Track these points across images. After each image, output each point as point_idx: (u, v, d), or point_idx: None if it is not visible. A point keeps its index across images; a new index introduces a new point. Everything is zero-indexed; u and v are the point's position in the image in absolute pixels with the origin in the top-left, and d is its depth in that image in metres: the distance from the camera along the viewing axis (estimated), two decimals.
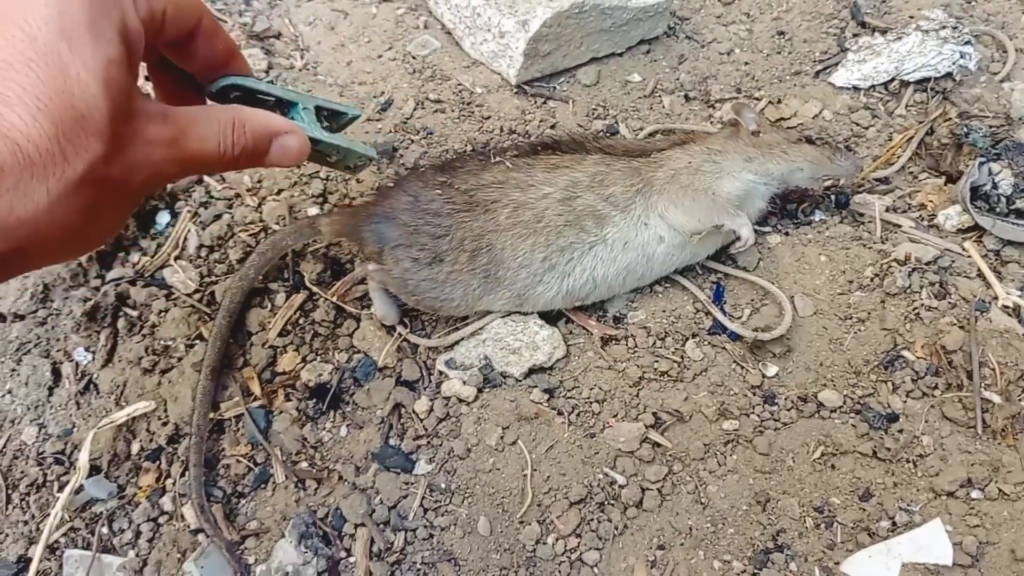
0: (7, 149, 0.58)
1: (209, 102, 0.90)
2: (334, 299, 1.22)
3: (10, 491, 1.15)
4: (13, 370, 1.23)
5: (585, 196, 1.17)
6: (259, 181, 1.37)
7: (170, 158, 0.74)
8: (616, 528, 1.05)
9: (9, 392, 1.22)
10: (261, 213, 1.33)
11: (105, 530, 1.11)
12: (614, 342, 1.19)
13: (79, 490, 1.12)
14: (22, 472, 1.16)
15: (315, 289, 1.24)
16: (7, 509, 1.14)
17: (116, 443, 1.16)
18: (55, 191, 0.62)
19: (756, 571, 1.02)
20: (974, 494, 1.04)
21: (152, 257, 1.29)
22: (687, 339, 1.19)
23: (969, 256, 1.24)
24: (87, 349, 1.23)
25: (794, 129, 1.38)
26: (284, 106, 0.93)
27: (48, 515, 1.12)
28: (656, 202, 1.19)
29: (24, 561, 1.10)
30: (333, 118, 1.00)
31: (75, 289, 1.27)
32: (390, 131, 1.43)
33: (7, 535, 1.12)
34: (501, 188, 1.17)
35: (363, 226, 1.18)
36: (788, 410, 1.13)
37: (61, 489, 1.14)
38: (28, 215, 0.61)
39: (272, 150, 0.85)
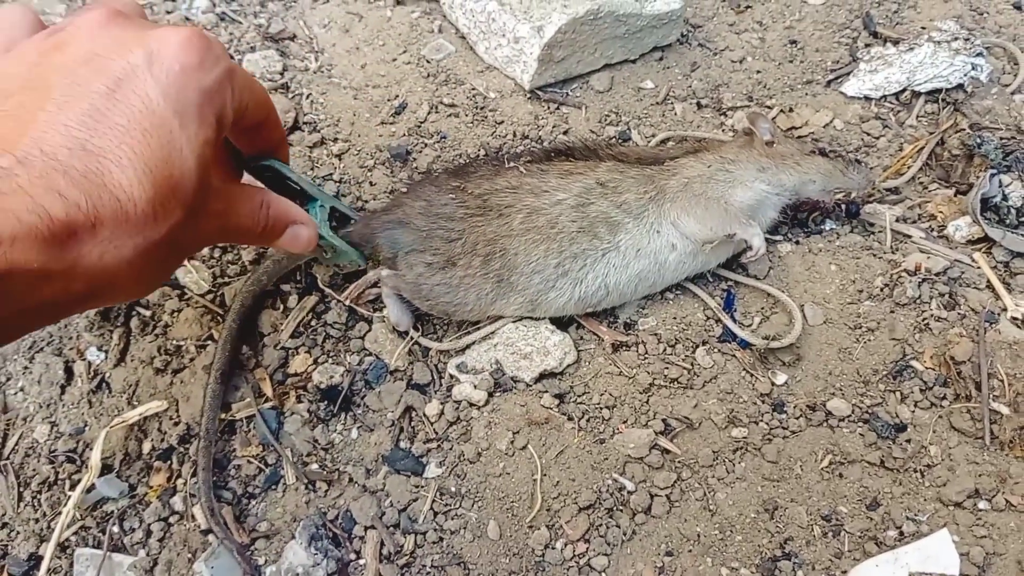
0: (111, 204, 0.65)
1: (245, 173, 1.03)
2: (347, 302, 1.23)
3: (22, 489, 1.16)
4: (26, 368, 1.23)
5: (598, 203, 1.18)
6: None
7: (218, 228, 0.85)
8: (625, 534, 1.06)
9: (22, 390, 1.22)
10: None
11: (116, 529, 1.12)
12: (624, 348, 1.20)
13: (90, 489, 1.13)
14: (34, 470, 1.16)
15: (328, 291, 1.25)
16: (19, 507, 1.14)
17: (128, 442, 1.17)
18: (139, 248, 0.70)
19: None
20: (981, 505, 1.05)
21: None
22: (697, 346, 1.20)
23: (979, 267, 1.25)
24: (99, 348, 1.23)
25: (807, 140, 1.39)
26: (305, 198, 1.07)
27: (60, 513, 1.13)
28: (669, 210, 1.20)
29: (35, 559, 1.11)
30: (341, 221, 1.16)
31: None
32: (404, 134, 1.44)
33: (19, 533, 1.13)
34: (515, 193, 1.18)
35: (377, 232, 1.19)
36: (797, 418, 1.13)
37: (73, 487, 1.14)
38: (112, 265, 0.68)
39: (285, 235, 0.96)
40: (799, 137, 1.42)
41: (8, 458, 1.18)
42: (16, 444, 1.19)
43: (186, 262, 1.29)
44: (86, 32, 0.74)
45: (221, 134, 0.81)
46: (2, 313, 0.62)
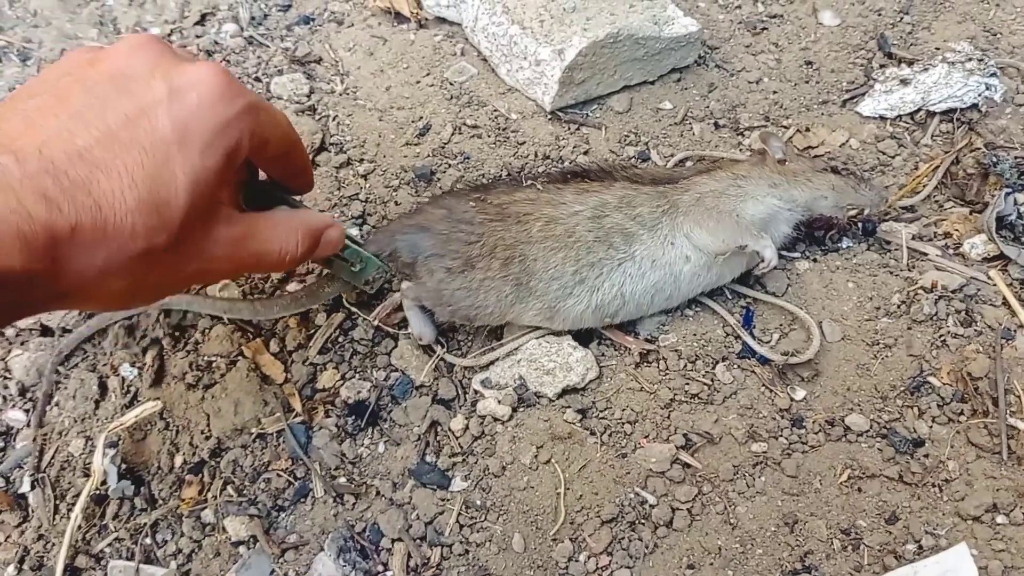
0: (92, 212, 0.68)
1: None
2: (375, 323, 1.25)
3: (58, 501, 1.18)
4: (61, 383, 1.27)
5: (613, 216, 1.20)
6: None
7: (225, 255, 0.85)
8: (647, 547, 1.08)
9: (57, 404, 1.26)
10: None
11: (148, 541, 1.15)
12: (646, 364, 1.22)
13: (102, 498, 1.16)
14: (69, 483, 1.19)
15: (355, 310, 1.27)
16: (54, 519, 1.17)
17: (160, 456, 1.20)
18: (112, 260, 0.71)
19: None
20: (999, 519, 1.06)
21: None
22: (717, 362, 1.22)
23: (995, 284, 1.27)
24: (132, 364, 1.26)
25: (821, 158, 1.41)
26: None
27: (94, 525, 1.16)
28: (682, 223, 1.22)
29: (72, 571, 1.14)
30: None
31: None
32: (428, 155, 1.47)
33: (54, 544, 1.16)
34: (533, 203, 1.21)
35: (398, 237, 1.22)
36: (816, 433, 1.15)
37: (106, 501, 1.18)
38: (83, 270, 0.70)
39: (320, 244, 0.99)
40: (815, 156, 1.44)
41: (44, 471, 1.20)
42: (52, 458, 1.22)
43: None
44: (123, 54, 0.78)
45: (231, 167, 0.82)
46: None
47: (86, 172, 0.68)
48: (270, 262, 0.93)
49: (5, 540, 1.17)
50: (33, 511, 1.18)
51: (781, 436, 1.15)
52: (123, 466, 1.18)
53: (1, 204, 0.63)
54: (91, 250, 0.69)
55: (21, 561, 1.15)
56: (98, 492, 1.18)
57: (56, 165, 0.67)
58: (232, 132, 0.80)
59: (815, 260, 1.33)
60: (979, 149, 1.42)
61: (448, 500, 1.13)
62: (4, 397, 1.27)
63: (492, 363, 1.23)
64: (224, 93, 0.78)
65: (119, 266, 0.72)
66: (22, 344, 1.31)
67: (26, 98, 0.74)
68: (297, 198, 1.06)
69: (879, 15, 1.71)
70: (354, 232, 1.38)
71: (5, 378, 1.28)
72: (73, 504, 1.17)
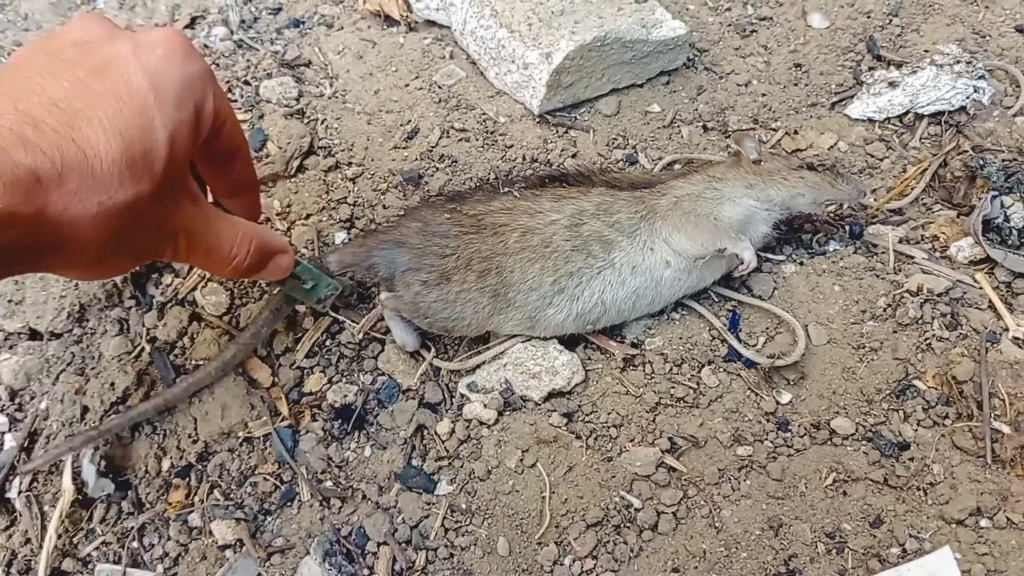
0: (77, 158, 0.68)
1: None
2: (359, 336, 1.26)
3: (45, 507, 1.19)
4: (50, 388, 1.27)
5: (591, 223, 1.20)
6: (288, 205, 1.42)
7: (188, 231, 0.86)
8: (632, 550, 1.08)
9: (46, 408, 1.26)
10: (290, 237, 1.37)
11: (135, 545, 1.15)
12: (631, 368, 1.22)
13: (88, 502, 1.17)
14: (58, 489, 1.19)
15: (341, 317, 1.28)
16: (43, 524, 1.17)
17: (147, 459, 1.20)
18: (104, 207, 0.71)
19: None
20: (983, 523, 1.06)
21: (184, 279, 1.33)
22: (703, 366, 1.22)
23: (981, 288, 1.27)
24: (119, 368, 1.26)
25: (798, 157, 1.41)
26: None
27: (81, 530, 1.16)
28: (660, 228, 1.22)
29: (58, 574, 1.14)
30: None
31: (110, 309, 1.31)
32: (416, 159, 1.47)
33: (42, 548, 1.16)
34: (509, 213, 1.21)
35: (374, 253, 1.22)
36: (801, 437, 1.15)
37: (95, 504, 1.18)
38: (76, 219, 0.70)
39: (268, 267, 1.00)
40: (791, 155, 1.45)
41: (31, 475, 1.21)
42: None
43: (204, 285, 1.32)
44: (79, 26, 0.80)
45: (201, 128, 0.83)
46: None
47: (66, 120, 0.69)
48: (217, 259, 0.93)
49: None
50: (20, 515, 1.19)
51: (766, 439, 1.15)
52: (104, 466, 1.19)
53: None
54: (81, 196, 0.69)
55: (9, 565, 1.15)
56: (80, 497, 1.18)
57: (34, 116, 0.67)
58: (199, 88, 0.81)
59: (801, 263, 1.33)
60: (967, 152, 1.42)
61: (434, 504, 1.13)
62: None
63: (478, 367, 1.24)
64: (188, 51, 0.80)
65: (108, 215, 0.72)
66: (11, 348, 1.31)
67: None
68: None
69: (868, 17, 1.71)
70: (344, 213, 1.40)
71: None
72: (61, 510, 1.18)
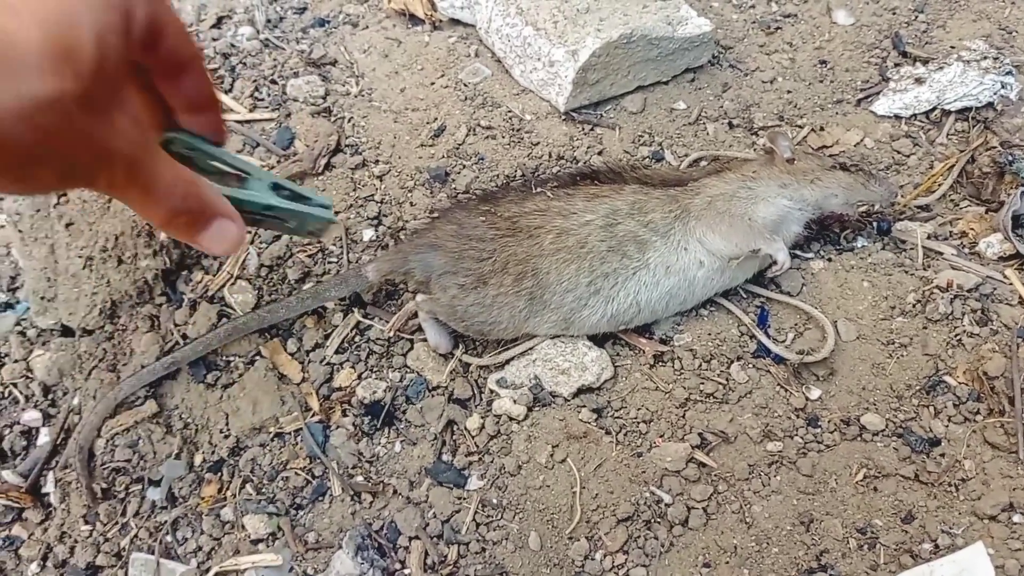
0: None
1: None
2: (390, 334, 1.26)
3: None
4: (83, 383, 1.28)
5: (626, 223, 1.21)
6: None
7: (131, 159, 0.75)
8: (663, 545, 1.08)
9: (79, 404, 1.27)
10: None
11: (169, 538, 1.16)
12: (661, 364, 1.23)
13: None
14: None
15: (368, 321, 1.29)
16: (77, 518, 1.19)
17: (181, 455, 1.21)
18: (21, 96, 0.64)
19: None
20: (1016, 518, 1.06)
21: (214, 276, 1.35)
22: (732, 362, 1.22)
23: (1010, 283, 1.26)
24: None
25: (830, 156, 1.41)
26: (235, 179, 0.88)
27: (116, 523, 1.18)
28: (694, 228, 1.22)
29: (93, 568, 1.15)
30: (296, 198, 0.94)
31: (141, 306, 1.33)
32: (442, 156, 1.48)
33: (77, 543, 1.17)
34: (544, 215, 1.21)
35: (410, 257, 1.23)
36: (831, 432, 1.15)
37: (128, 498, 1.19)
38: None
39: (211, 229, 0.84)
40: (823, 154, 1.44)
41: (66, 471, 1.22)
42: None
43: (232, 283, 1.33)
44: None
45: (131, 29, 0.74)
46: None
47: None
48: (153, 200, 0.80)
49: (29, 538, 1.18)
50: (55, 509, 1.20)
51: (796, 435, 1.15)
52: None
53: None
54: None
55: (44, 558, 1.17)
56: (120, 491, 1.20)
57: None
58: None
59: (830, 260, 1.33)
60: (995, 148, 1.41)
61: (464, 499, 1.14)
62: (26, 396, 1.29)
63: (507, 363, 1.24)
64: None
65: (29, 106, 0.65)
66: (44, 345, 1.33)
67: None
68: (245, 172, 0.88)
69: (894, 14, 1.71)
70: (372, 210, 1.40)
71: (27, 378, 1.30)
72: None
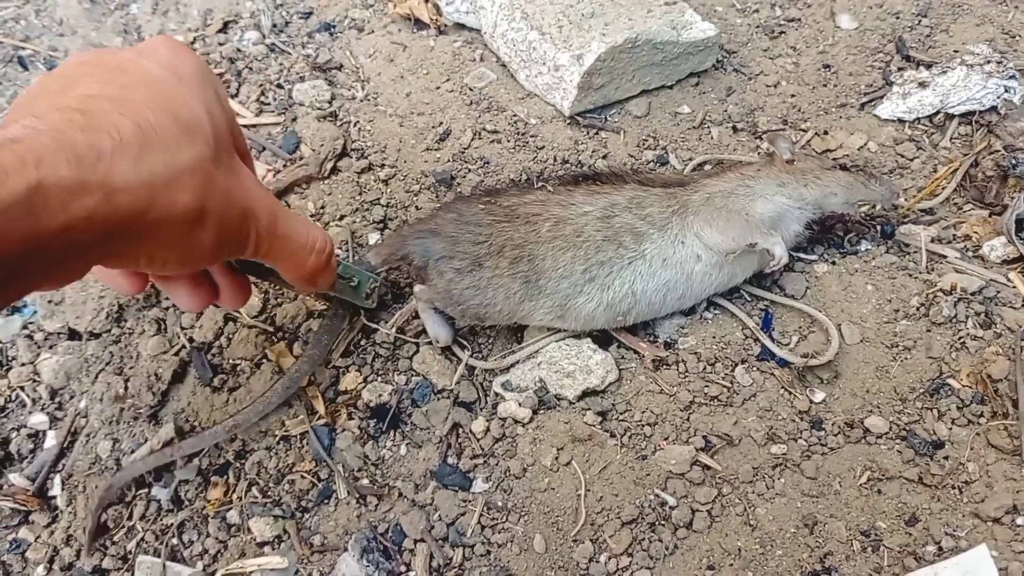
0: (131, 129, 0.70)
1: None
2: (392, 331, 1.27)
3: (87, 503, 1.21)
4: (89, 387, 1.29)
5: (623, 216, 1.21)
6: (322, 207, 1.43)
7: (267, 209, 0.88)
8: (667, 548, 1.09)
9: (85, 407, 1.28)
10: None
11: (175, 541, 1.17)
12: (665, 367, 1.23)
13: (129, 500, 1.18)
14: (96, 486, 1.21)
15: (374, 325, 1.29)
16: (84, 521, 1.19)
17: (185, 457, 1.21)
18: (170, 165, 0.73)
19: None
20: (1020, 521, 1.06)
21: None
22: (736, 365, 1.23)
23: (1014, 287, 1.27)
24: (156, 374, 1.28)
25: (832, 157, 1.41)
26: None
27: (122, 527, 1.18)
28: (692, 222, 1.22)
29: (99, 571, 1.16)
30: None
31: (148, 310, 1.33)
32: (448, 160, 1.49)
33: (83, 545, 1.18)
34: (543, 204, 1.22)
35: (409, 241, 1.24)
36: (835, 435, 1.15)
37: (134, 501, 1.20)
38: (147, 181, 0.70)
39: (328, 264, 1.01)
40: (823, 155, 1.45)
41: (72, 473, 1.23)
42: (79, 460, 1.24)
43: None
44: (71, 58, 0.82)
45: (224, 112, 0.87)
46: (49, 225, 0.63)
47: (107, 107, 0.70)
48: (296, 247, 0.94)
49: (35, 540, 1.19)
50: (61, 513, 1.21)
51: (800, 438, 1.16)
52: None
53: (43, 143, 0.64)
54: (146, 158, 0.70)
55: (51, 561, 1.17)
56: (127, 495, 1.20)
57: (76, 108, 0.69)
58: (210, 76, 0.86)
59: (833, 263, 1.33)
60: (998, 151, 1.42)
61: (470, 501, 1.14)
62: (33, 400, 1.30)
63: (512, 366, 1.25)
64: (187, 48, 0.86)
65: (178, 174, 0.73)
66: (51, 348, 1.33)
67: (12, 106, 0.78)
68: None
69: (897, 18, 1.71)
70: (378, 214, 1.43)
71: (35, 381, 1.31)
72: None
